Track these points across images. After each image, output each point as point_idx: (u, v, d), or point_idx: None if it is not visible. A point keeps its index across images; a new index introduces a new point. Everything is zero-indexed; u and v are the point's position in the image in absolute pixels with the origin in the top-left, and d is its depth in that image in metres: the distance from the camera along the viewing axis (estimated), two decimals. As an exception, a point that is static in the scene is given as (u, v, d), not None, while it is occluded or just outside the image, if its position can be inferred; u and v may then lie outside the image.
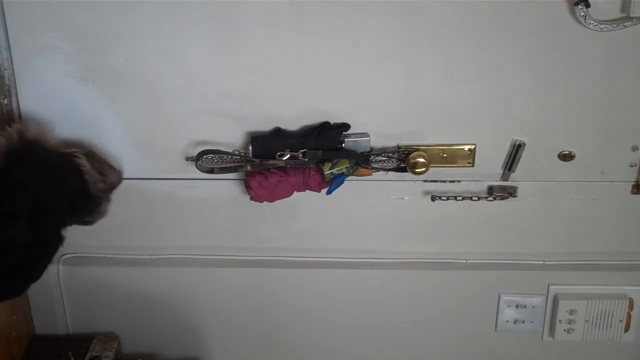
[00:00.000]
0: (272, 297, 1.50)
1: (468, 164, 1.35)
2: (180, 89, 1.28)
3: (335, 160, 1.28)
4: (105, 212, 1.28)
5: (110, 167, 1.28)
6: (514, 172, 1.35)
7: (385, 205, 1.40)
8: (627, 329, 1.49)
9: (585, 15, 1.18)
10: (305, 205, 1.39)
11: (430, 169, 1.30)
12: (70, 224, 1.21)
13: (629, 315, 1.48)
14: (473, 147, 1.33)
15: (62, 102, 1.29)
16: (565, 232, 1.42)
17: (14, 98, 1.29)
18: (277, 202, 1.32)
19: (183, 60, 1.26)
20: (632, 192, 1.37)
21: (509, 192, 1.37)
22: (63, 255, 1.44)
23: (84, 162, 1.19)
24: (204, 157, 1.30)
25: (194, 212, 1.41)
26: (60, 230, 1.16)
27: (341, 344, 1.55)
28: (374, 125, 1.31)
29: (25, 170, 1.11)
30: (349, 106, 1.29)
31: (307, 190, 1.32)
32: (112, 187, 1.27)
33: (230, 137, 1.32)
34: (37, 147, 1.17)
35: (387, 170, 1.34)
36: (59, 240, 1.16)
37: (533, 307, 1.49)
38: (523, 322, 1.50)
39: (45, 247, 1.11)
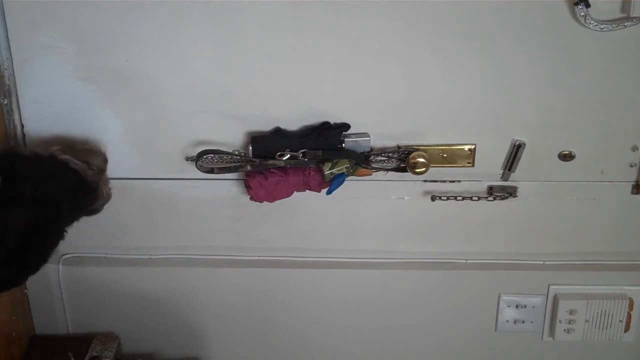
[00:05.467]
0: (272, 297, 1.49)
1: (468, 164, 1.34)
2: (180, 89, 1.28)
3: (335, 160, 1.28)
4: (109, 195, 1.29)
5: (92, 152, 1.28)
6: (514, 172, 1.35)
7: (385, 205, 1.40)
8: (627, 329, 1.49)
9: (585, 15, 1.18)
10: (305, 205, 1.39)
11: (430, 169, 1.30)
12: (79, 217, 1.22)
13: (629, 315, 1.48)
14: (473, 147, 1.33)
15: (62, 102, 1.29)
16: (565, 232, 1.42)
17: (14, 98, 1.29)
18: (277, 202, 1.32)
19: (183, 60, 1.26)
20: (632, 192, 1.37)
21: (509, 192, 1.37)
22: (63, 255, 1.44)
23: (67, 156, 1.20)
24: (204, 157, 1.30)
25: (194, 212, 1.40)
26: (60, 225, 1.16)
27: (341, 344, 1.55)
28: (374, 125, 1.31)
29: (26, 167, 1.13)
30: (349, 106, 1.29)
31: (307, 190, 1.32)
32: (101, 170, 1.27)
33: (230, 137, 1.32)
34: (31, 151, 1.20)
35: (387, 170, 1.34)
36: (59, 234, 1.16)
37: (533, 307, 1.49)
38: (523, 322, 1.50)
39: (43, 238, 1.11)
